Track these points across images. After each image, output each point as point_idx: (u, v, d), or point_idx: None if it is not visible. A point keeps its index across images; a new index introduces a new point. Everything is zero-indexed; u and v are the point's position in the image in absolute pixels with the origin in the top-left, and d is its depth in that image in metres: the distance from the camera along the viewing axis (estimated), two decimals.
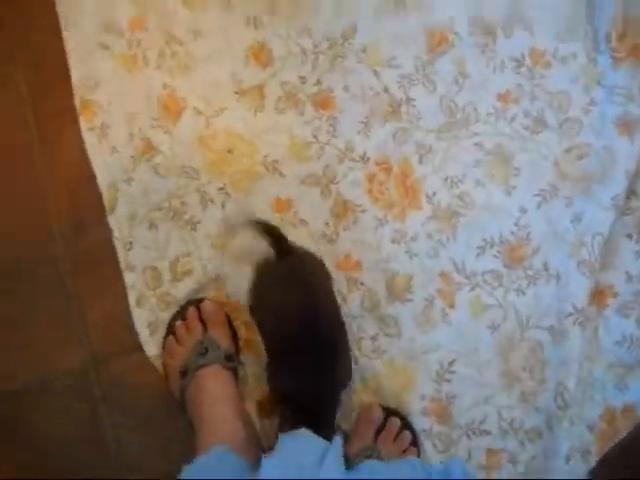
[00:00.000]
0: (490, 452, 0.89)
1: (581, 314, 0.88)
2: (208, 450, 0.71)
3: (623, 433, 0.89)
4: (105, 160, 0.90)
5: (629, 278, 0.90)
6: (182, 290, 0.88)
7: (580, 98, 0.91)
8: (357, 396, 0.88)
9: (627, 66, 0.91)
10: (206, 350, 0.83)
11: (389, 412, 0.85)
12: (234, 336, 0.88)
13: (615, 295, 0.90)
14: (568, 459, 0.87)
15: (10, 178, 0.92)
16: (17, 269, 0.90)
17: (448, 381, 0.89)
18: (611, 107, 0.91)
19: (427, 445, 0.88)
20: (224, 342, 0.85)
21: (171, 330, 0.87)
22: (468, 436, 0.89)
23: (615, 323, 0.90)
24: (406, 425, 0.86)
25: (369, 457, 0.81)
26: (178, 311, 0.88)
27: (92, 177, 0.90)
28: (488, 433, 0.88)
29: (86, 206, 0.90)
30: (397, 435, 0.84)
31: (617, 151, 0.90)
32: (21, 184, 0.91)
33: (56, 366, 0.88)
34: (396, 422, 0.85)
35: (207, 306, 0.86)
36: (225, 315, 0.87)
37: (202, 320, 0.86)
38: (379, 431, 0.84)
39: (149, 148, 0.90)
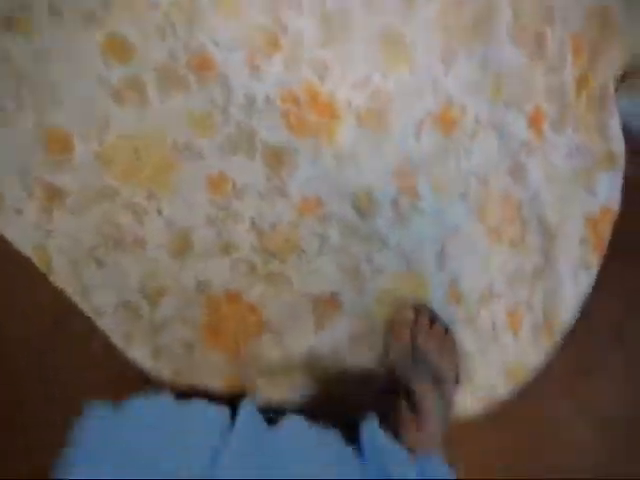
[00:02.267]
0: (509, 311, 0.91)
1: (526, 146, 0.90)
2: None
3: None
4: (16, 227, 0.81)
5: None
6: (165, 311, 0.83)
7: None
8: (380, 309, 0.88)
9: None
10: None
11: (417, 308, 0.87)
12: None
13: (546, 116, 0.93)
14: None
15: None
16: None
17: (446, 267, 0.89)
18: None
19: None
20: None
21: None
22: (484, 306, 0.90)
23: (555, 141, 0.93)
24: (436, 316, 0.88)
25: (413, 356, 0.82)
26: None
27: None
28: (499, 296, 0.90)
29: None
30: (430, 327, 0.86)
31: None
32: None
33: None
34: (425, 315, 0.86)
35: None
36: None
37: None
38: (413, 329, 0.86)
39: (55, 194, 0.82)
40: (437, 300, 0.89)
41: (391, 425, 0.73)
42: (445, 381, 0.83)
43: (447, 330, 0.88)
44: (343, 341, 0.87)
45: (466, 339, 0.89)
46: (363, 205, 0.87)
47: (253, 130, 0.85)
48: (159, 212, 0.84)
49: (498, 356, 0.90)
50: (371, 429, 0.69)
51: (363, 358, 0.87)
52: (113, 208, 0.83)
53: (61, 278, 0.81)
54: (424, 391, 0.79)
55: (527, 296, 0.91)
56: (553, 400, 0.91)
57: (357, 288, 0.88)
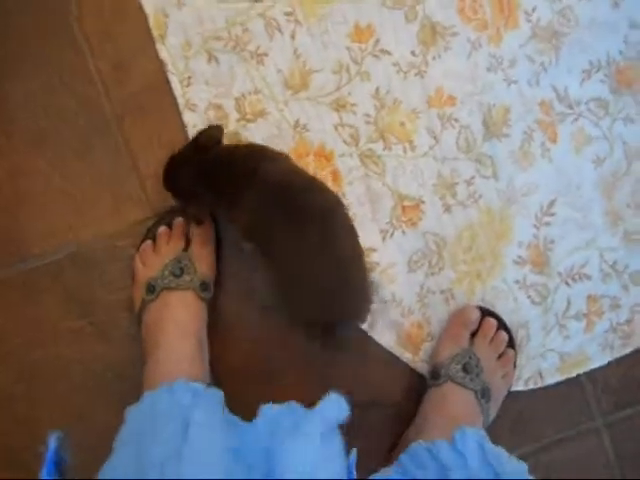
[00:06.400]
0: (591, 299, 0.82)
1: None
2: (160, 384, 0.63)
3: None
4: None
5: None
6: (256, 133, 0.76)
7: None
8: (449, 253, 0.80)
9: None
10: (181, 271, 0.72)
11: (484, 312, 0.78)
12: (217, 262, 0.77)
13: None
14: None
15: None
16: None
17: (547, 224, 0.81)
18: None
19: (521, 297, 0.81)
20: (204, 267, 0.74)
21: (151, 234, 0.75)
22: (567, 284, 0.82)
23: None
24: (502, 325, 0.79)
25: (465, 362, 0.74)
26: (164, 216, 0.76)
27: (132, 3, 0.75)
28: (588, 278, 0.82)
29: (126, 37, 0.76)
30: (493, 336, 0.77)
31: None
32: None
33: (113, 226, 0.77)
34: (492, 322, 0.77)
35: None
36: (214, 236, 0.76)
37: (188, 236, 0.75)
38: (474, 333, 0.77)
39: None
40: (515, 256, 0.80)
41: None
42: (491, 398, 0.75)
43: (511, 342, 0.79)
44: (401, 263, 0.79)
45: (532, 310, 0.81)
46: (494, 123, 0.79)
47: None
48: (292, 36, 0.77)
49: (558, 342, 0.82)
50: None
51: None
52: (250, 11, 0.76)
53: (168, 53, 0.75)
54: None
55: (618, 294, 0.82)
56: None
57: (445, 206, 0.80)
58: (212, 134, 0.68)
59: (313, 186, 0.66)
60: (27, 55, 0.77)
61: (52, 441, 0.54)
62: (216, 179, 0.65)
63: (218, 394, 0.63)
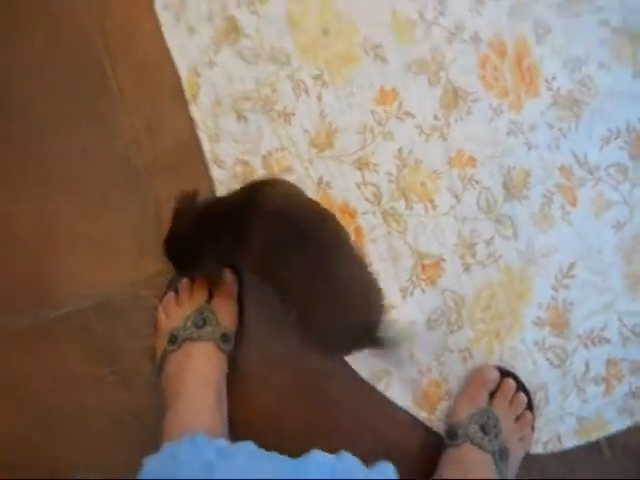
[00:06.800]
0: (610, 362, 0.82)
1: None
2: (180, 436, 0.63)
3: None
4: (183, 42, 0.78)
5: None
6: None
7: None
8: (467, 312, 0.80)
9: None
10: (204, 322, 0.74)
11: (503, 373, 0.78)
12: (240, 314, 0.79)
13: None
14: None
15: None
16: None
17: (567, 287, 0.81)
18: None
19: (540, 359, 0.81)
20: (226, 319, 0.76)
21: (174, 285, 0.77)
22: (586, 346, 0.82)
23: None
24: (521, 387, 0.79)
25: (483, 422, 0.74)
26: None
27: (164, 62, 0.79)
28: (608, 342, 0.82)
29: (159, 96, 0.79)
30: (512, 398, 0.77)
31: None
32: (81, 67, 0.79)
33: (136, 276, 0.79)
34: (511, 383, 0.78)
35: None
36: (236, 289, 0.78)
37: (210, 288, 0.77)
38: (492, 393, 0.77)
39: (233, 30, 0.78)
40: (534, 317, 0.81)
41: None
42: (508, 459, 0.74)
43: (529, 404, 0.79)
44: (420, 321, 0.80)
45: (550, 373, 0.81)
46: (514, 185, 0.80)
47: (445, 61, 0.80)
48: (319, 98, 0.79)
49: (576, 406, 0.81)
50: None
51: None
52: (278, 72, 0.79)
53: (200, 111, 0.78)
54: None
55: (638, 358, 0.81)
56: None
57: (464, 265, 0.81)
58: (185, 195, 0.68)
59: (313, 210, 0.67)
60: (64, 112, 0.80)
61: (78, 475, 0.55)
62: (214, 225, 0.64)
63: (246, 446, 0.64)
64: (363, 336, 0.67)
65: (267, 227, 0.62)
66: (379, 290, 0.71)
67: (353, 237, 0.79)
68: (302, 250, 0.62)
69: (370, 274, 0.70)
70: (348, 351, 0.71)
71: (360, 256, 0.70)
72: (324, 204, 0.78)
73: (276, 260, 0.63)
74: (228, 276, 0.77)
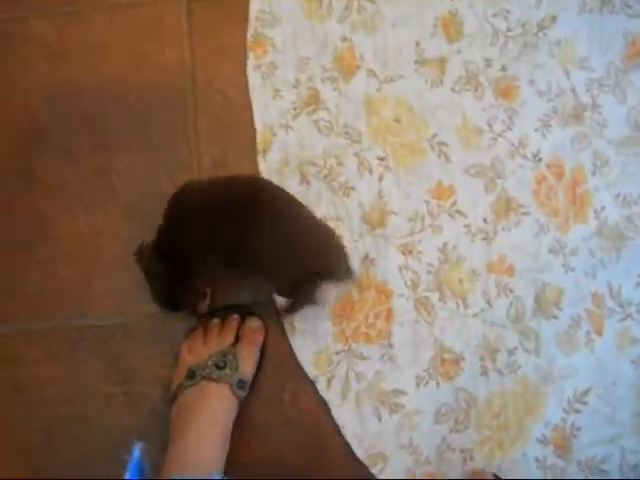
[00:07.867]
0: None
1: None
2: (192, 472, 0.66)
3: None
4: (266, 102, 0.83)
5: None
6: None
7: None
8: (477, 414, 0.81)
9: None
10: (224, 365, 0.76)
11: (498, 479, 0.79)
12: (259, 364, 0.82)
13: None
14: None
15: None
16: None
17: (577, 411, 0.82)
18: None
19: (538, 476, 0.81)
20: (246, 366, 0.78)
21: (205, 323, 0.81)
22: (584, 472, 0.82)
23: None
24: None
25: None
26: (222, 309, 0.82)
27: (243, 116, 0.84)
28: (605, 473, 0.82)
29: (232, 143, 0.84)
30: None
31: None
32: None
33: None
34: None
35: (252, 322, 0.81)
36: (261, 339, 0.81)
37: (238, 333, 0.80)
38: None
39: (314, 100, 0.84)
40: (540, 434, 0.81)
41: None
42: None
43: None
44: (428, 413, 0.81)
45: None
46: (546, 301, 0.82)
47: (504, 172, 0.84)
48: (380, 179, 0.83)
49: None
50: None
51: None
52: (347, 148, 0.83)
53: (267, 166, 0.82)
54: None
55: None
56: None
57: (482, 368, 0.82)
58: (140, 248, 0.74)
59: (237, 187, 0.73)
60: (135, 135, 0.85)
61: (136, 449, 0.58)
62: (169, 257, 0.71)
63: None
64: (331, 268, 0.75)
65: (200, 222, 0.69)
66: (331, 231, 0.78)
67: (384, 317, 0.82)
68: (243, 219, 0.68)
69: (321, 221, 0.77)
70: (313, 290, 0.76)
71: (310, 212, 0.76)
72: (364, 279, 0.81)
73: (231, 240, 0.69)
74: (255, 325, 0.80)
